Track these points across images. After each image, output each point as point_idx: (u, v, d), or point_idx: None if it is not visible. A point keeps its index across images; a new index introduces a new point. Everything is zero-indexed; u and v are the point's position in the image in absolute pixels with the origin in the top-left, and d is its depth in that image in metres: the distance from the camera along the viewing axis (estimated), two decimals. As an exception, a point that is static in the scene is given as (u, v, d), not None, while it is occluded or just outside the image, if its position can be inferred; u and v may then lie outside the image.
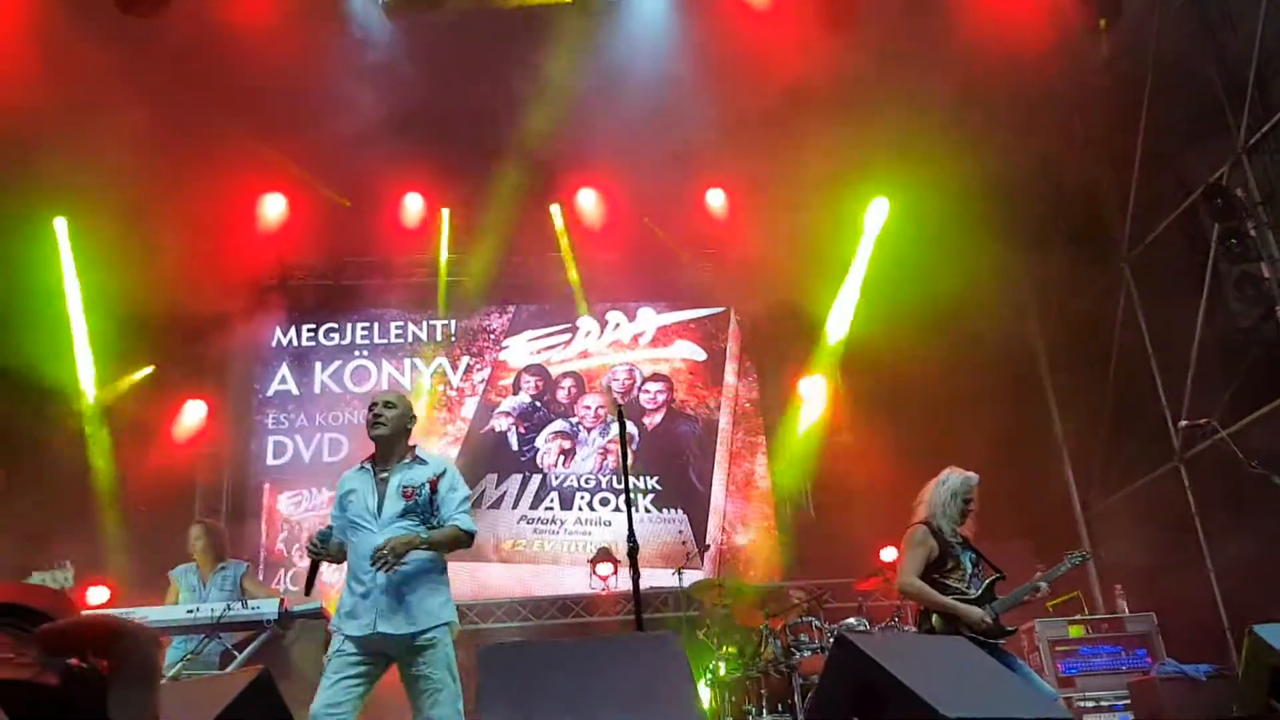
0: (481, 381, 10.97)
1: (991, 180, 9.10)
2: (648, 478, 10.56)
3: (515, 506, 10.34)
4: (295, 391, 10.67)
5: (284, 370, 10.73)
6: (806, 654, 6.73)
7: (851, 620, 7.10)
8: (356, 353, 10.91)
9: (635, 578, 4.90)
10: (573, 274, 11.15)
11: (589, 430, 10.82)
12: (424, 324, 11.10)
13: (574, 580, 10.05)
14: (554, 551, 10.27)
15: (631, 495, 5.37)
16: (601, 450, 10.72)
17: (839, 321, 10.51)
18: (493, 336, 11.19)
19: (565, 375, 11.06)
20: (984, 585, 5.11)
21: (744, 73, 8.61)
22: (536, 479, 10.55)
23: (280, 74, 8.10)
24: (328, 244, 10.82)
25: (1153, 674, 7.22)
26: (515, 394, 10.94)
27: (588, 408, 10.93)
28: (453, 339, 11.12)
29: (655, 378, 11.11)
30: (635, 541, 4.97)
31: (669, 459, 10.73)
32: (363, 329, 11.02)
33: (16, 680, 2.49)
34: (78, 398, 9.36)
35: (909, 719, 3.17)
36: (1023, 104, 8.92)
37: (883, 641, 5.37)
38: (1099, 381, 9.78)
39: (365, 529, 4.44)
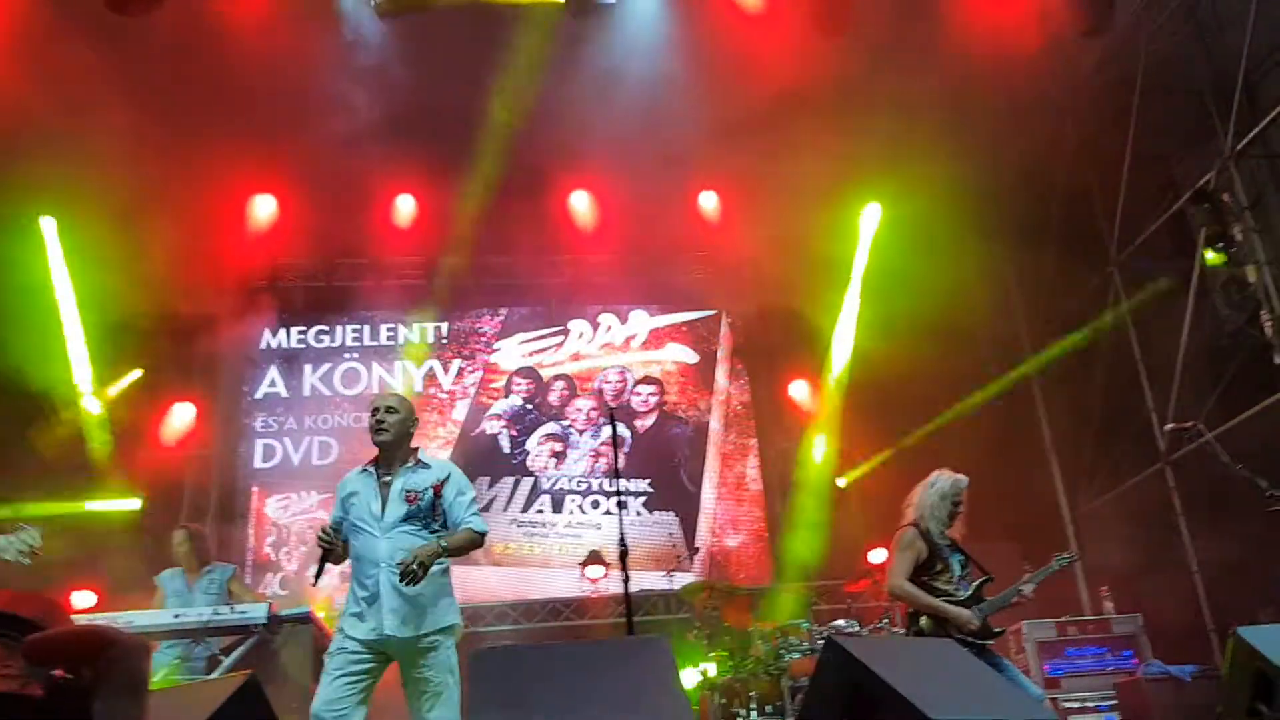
0: (473, 384, 10.95)
1: (981, 183, 9.15)
2: (639, 480, 10.57)
3: (506, 509, 10.33)
4: (284, 394, 10.63)
5: (273, 372, 10.68)
6: (796, 656, 6.74)
7: (841, 622, 7.12)
8: (347, 355, 10.87)
9: (626, 581, 4.91)
10: (557, 281, 11.18)
11: (580, 433, 10.82)
12: (415, 326, 11.07)
13: (565, 583, 10.05)
14: (545, 554, 10.26)
15: (622, 498, 5.37)
16: (593, 453, 10.73)
17: (838, 328, 10.50)
18: (484, 339, 11.18)
19: (557, 378, 11.06)
20: (972, 587, 5.14)
21: (736, 75, 8.62)
22: (528, 482, 10.54)
23: (271, 75, 8.08)
24: (318, 245, 10.79)
25: (1138, 675, 7.27)
26: (507, 397, 10.93)
27: (579, 410, 10.93)
28: (444, 341, 11.11)
29: (647, 380, 11.12)
30: (625, 545, 4.98)
31: (660, 462, 10.74)
32: (353, 331, 10.98)
33: (2, 692, 2.49)
34: (65, 399, 9.31)
35: (897, 722, 3.19)
36: (1013, 108, 8.98)
37: (872, 644, 5.38)
38: (1087, 384, 9.83)
39: (367, 532, 4.43)
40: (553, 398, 10.97)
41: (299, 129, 8.68)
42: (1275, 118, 7.57)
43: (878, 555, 8.47)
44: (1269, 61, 8.22)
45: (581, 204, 11.03)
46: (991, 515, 6.63)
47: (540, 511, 10.41)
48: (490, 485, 10.34)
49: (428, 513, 4.46)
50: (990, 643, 5.02)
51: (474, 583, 9.75)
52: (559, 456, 10.70)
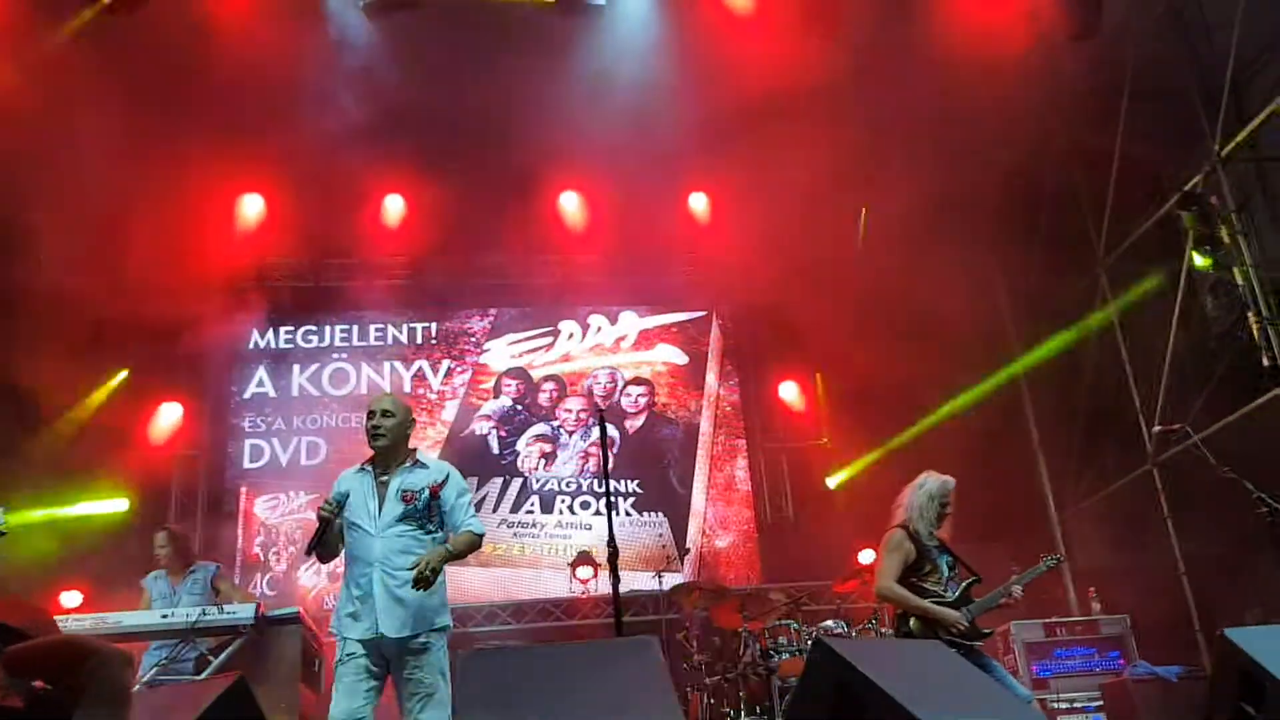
0: (462, 384, 10.93)
1: (970, 185, 9.17)
2: (628, 481, 10.57)
3: (496, 510, 10.31)
4: (273, 394, 10.58)
5: (261, 373, 10.64)
6: (785, 656, 6.76)
7: (830, 623, 7.13)
8: (335, 355, 10.84)
9: (615, 581, 4.91)
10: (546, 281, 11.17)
11: (570, 434, 10.82)
12: (404, 326, 11.05)
13: (554, 584, 10.04)
14: (534, 555, 10.25)
15: (612, 499, 5.36)
16: (582, 454, 10.72)
17: (827, 330, 10.51)
18: (474, 339, 11.16)
19: (547, 378, 11.05)
20: (961, 588, 5.16)
21: (726, 77, 8.63)
22: (517, 482, 10.53)
23: (258, 73, 8.05)
24: (306, 245, 10.76)
25: (1125, 675, 7.30)
26: (496, 397, 10.92)
27: (569, 411, 10.92)
28: (433, 341, 11.09)
29: (637, 381, 11.12)
30: (615, 545, 4.98)
31: (650, 462, 10.74)
32: (342, 331, 10.94)
33: None
34: (53, 399, 9.27)
35: (885, 723, 3.20)
36: (1001, 111, 9.00)
37: (860, 645, 5.39)
38: (1074, 386, 9.88)
39: (363, 531, 4.43)
40: (542, 398, 10.96)
41: (287, 128, 8.65)
42: (1262, 121, 7.62)
43: (867, 556, 8.49)
44: (1256, 65, 8.28)
45: (571, 204, 11.03)
46: (979, 516, 6.66)
47: (530, 512, 10.40)
48: (479, 486, 10.31)
49: (424, 513, 4.46)
50: (978, 644, 5.04)
51: (463, 583, 9.72)
52: (548, 457, 10.69)
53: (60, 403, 9.35)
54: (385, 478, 4.51)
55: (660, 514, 10.48)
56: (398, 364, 10.89)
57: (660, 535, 10.37)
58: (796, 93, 8.56)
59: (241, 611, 5.68)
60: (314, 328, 10.90)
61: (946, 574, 5.16)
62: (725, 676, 7.06)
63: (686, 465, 10.79)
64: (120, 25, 7.86)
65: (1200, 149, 8.23)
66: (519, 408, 10.89)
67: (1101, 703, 7.47)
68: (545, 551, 10.26)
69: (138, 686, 5.50)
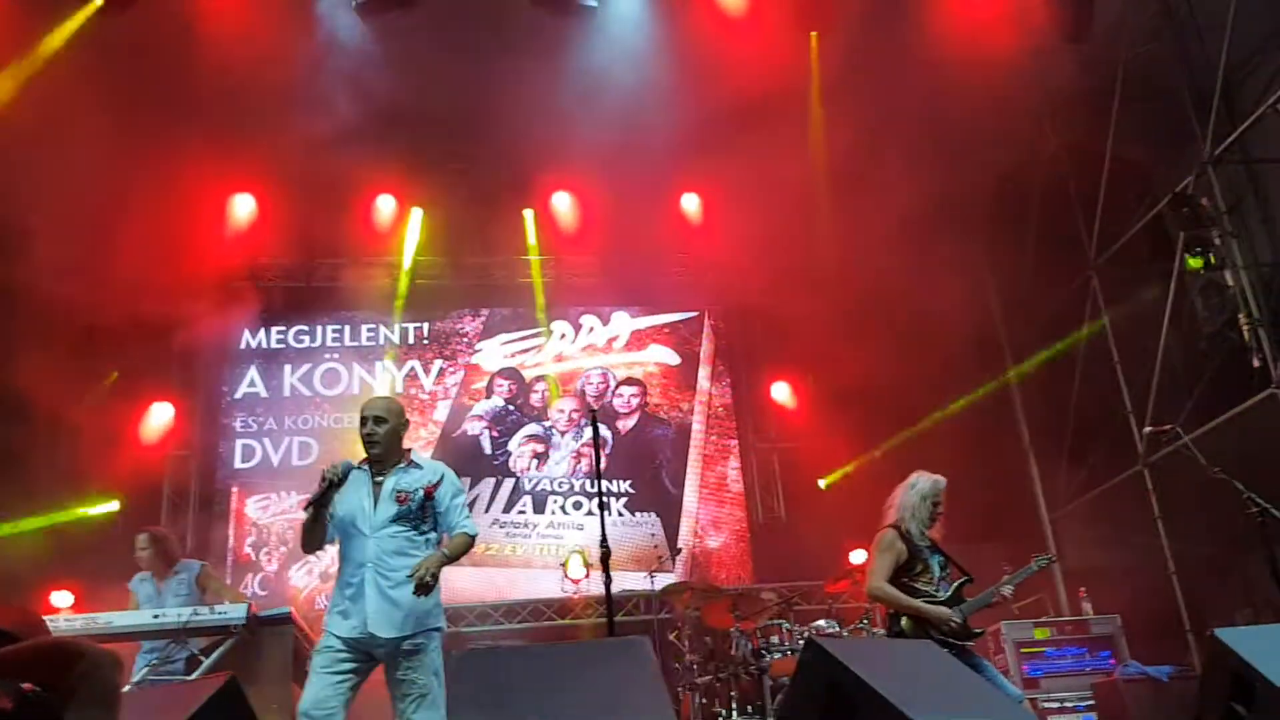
0: (454, 385, 10.92)
1: (962, 186, 9.20)
2: (620, 481, 10.57)
3: (488, 510, 10.31)
4: (264, 394, 10.56)
5: (253, 372, 10.62)
6: (777, 656, 6.76)
7: (821, 622, 7.14)
8: (327, 355, 10.81)
9: (607, 582, 4.91)
10: (538, 280, 11.14)
11: (562, 434, 10.81)
12: (396, 326, 11.03)
13: (546, 584, 10.04)
14: (526, 555, 10.25)
15: (604, 499, 5.36)
16: (574, 454, 10.72)
17: (819, 330, 10.53)
18: (466, 339, 11.15)
19: (539, 379, 11.04)
20: (952, 588, 5.16)
21: (719, 77, 8.64)
22: (509, 483, 10.53)
23: (250, 74, 8.04)
24: (298, 245, 10.74)
25: (1116, 675, 7.32)
26: (488, 397, 10.91)
27: (561, 411, 10.92)
28: (425, 342, 11.07)
29: (629, 381, 11.12)
30: (607, 546, 4.98)
31: (642, 463, 10.74)
32: (333, 331, 10.92)
33: None
34: (44, 399, 9.22)
35: (877, 722, 3.20)
36: (993, 112, 9.03)
37: (852, 645, 5.40)
38: (1065, 386, 9.90)
39: (356, 531, 4.42)
40: (534, 399, 10.95)
41: (278, 128, 8.64)
42: (1253, 123, 7.65)
43: (858, 556, 8.50)
44: (1247, 67, 8.32)
45: (564, 205, 11.03)
46: (970, 517, 6.67)
47: (522, 512, 10.40)
48: (472, 486, 10.31)
49: (418, 514, 4.45)
50: (970, 643, 5.05)
51: (456, 583, 9.69)
52: (541, 457, 10.69)
53: (51, 402, 9.30)
54: (380, 478, 4.50)
55: (652, 514, 10.49)
56: (390, 364, 10.87)
57: (652, 535, 10.37)
58: (788, 94, 8.58)
59: (233, 611, 5.64)
60: (306, 327, 10.88)
61: (938, 574, 5.16)
62: (717, 676, 7.06)
63: (678, 465, 10.80)
64: (111, 25, 7.84)
65: (1191, 150, 8.26)
66: (511, 408, 10.88)
67: (1093, 703, 7.49)
68: (538, 552, 10.26)
69: (128, 687, 5.47)
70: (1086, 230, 9.68)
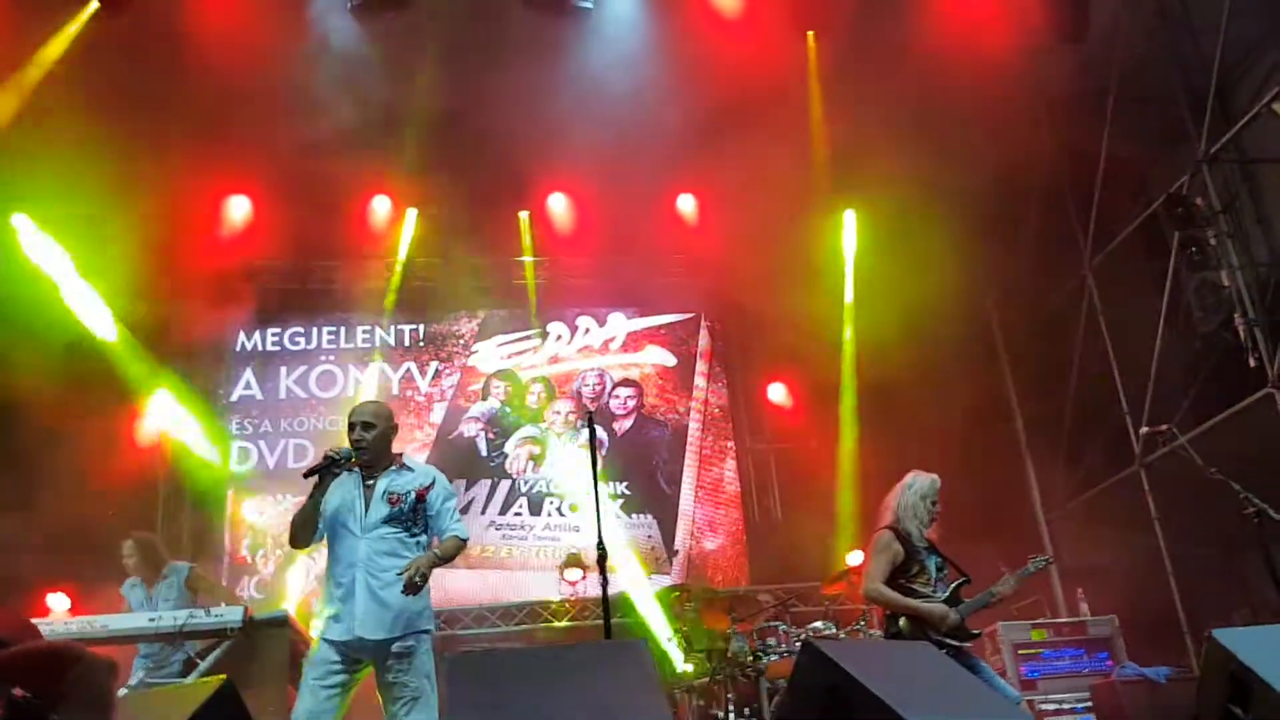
0: (450, 386, 10.91)
1: (957, 186, 9.19)
2: (617, 483, 10.56)
3: (484, 512, 10.29)
4: (259, 396, 10.54)
5: (248, 375, 10.59)
6: (774, 658, 6.75)
7: (818, 624, 7.13)
8: (323, 357, 10.79)
9: (604, 584, 4.90)
10: (531, 283, 11.14)
11: (559, 436, 10.80)
12: (391, 328, 11.01)
13: (543, 586, 10.02)
14: (523, 557, 10.23)
15: (600, 501, 5.34)
16: (571, 456, 10.70)
17: (815, 331, 10.53)
18: (462, 341, 11.13)
19: (535, 381, 11.03)
20: (950, 589, 5.15)
21: (714, 78, 8.64)
22: (505, 484, 10.51)
23: (246, 75, 8.03)
24: (293, 247, 10.71)
25: (1113, 676, 7.32)
26: (484, 399, 10.89)
27: (557, 413, 10.90)
28: (421, 344, 11.05)
29: (625, 383, 11.11)
30: (604, 548, 4.96)
31: (638, 464, 10.73)
32: (329, 333, 10.90)
33: None
34: (39, 402, 9.19)
35: (875, 724, 3.20)
36: (989, 112, 9.04)
37: (848, 646, 5.39)
38: (1062, 387, 9.90)
39: (347, 532, 4.41)
40: (531, 400, 10.94)
41: (273, 130, 8.64)
42: (1248, 123, 7.66)
43: (855, 557, 8.49)
44: (1241, 67, 8.34)
45: (559, 206, 11.02)
46: (967, 517, 6.66)
47: (518, 514, 10.38)
48: (468, 488, 10.30)
49: (409, 516, 4.45)
50: (967, 645, 5.04)
51: (452, 585, 9.70)
52: (537, 459, 10.68)
53: (46, 405, 9.26)
54: (371, 481, 4.50)
55: (649, 515, 10.48)
56: (385, 366, 10.84)
57: (649, 536, 10.36)
58: (784, 94, 8.57)
59: (230, 614, 5.64)
60: (301, 329, 10.86)
61: (935, 575, 5.15)
62: (714, 678, 7.05)
63: (675, 467, 10.79)
64: (107, 27, 7.82)
65: (1186, 151, 8.28)
66: (507, 410, 10.87)
67: (1090, 704, 7.49)
68: (534, 554, 10.25)
69: (124, 690, 5.46)
70: (1082, 230, 9.69)
